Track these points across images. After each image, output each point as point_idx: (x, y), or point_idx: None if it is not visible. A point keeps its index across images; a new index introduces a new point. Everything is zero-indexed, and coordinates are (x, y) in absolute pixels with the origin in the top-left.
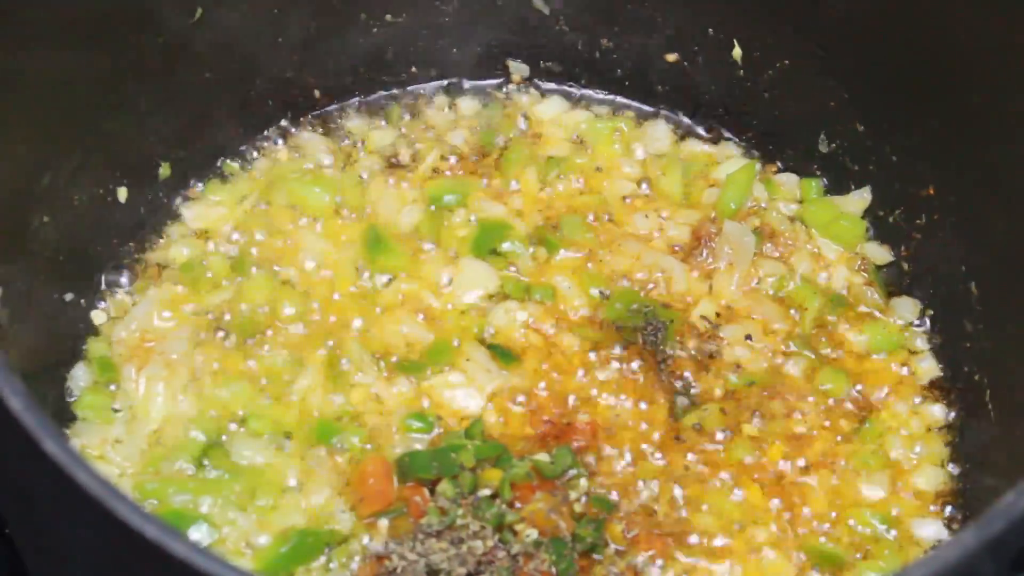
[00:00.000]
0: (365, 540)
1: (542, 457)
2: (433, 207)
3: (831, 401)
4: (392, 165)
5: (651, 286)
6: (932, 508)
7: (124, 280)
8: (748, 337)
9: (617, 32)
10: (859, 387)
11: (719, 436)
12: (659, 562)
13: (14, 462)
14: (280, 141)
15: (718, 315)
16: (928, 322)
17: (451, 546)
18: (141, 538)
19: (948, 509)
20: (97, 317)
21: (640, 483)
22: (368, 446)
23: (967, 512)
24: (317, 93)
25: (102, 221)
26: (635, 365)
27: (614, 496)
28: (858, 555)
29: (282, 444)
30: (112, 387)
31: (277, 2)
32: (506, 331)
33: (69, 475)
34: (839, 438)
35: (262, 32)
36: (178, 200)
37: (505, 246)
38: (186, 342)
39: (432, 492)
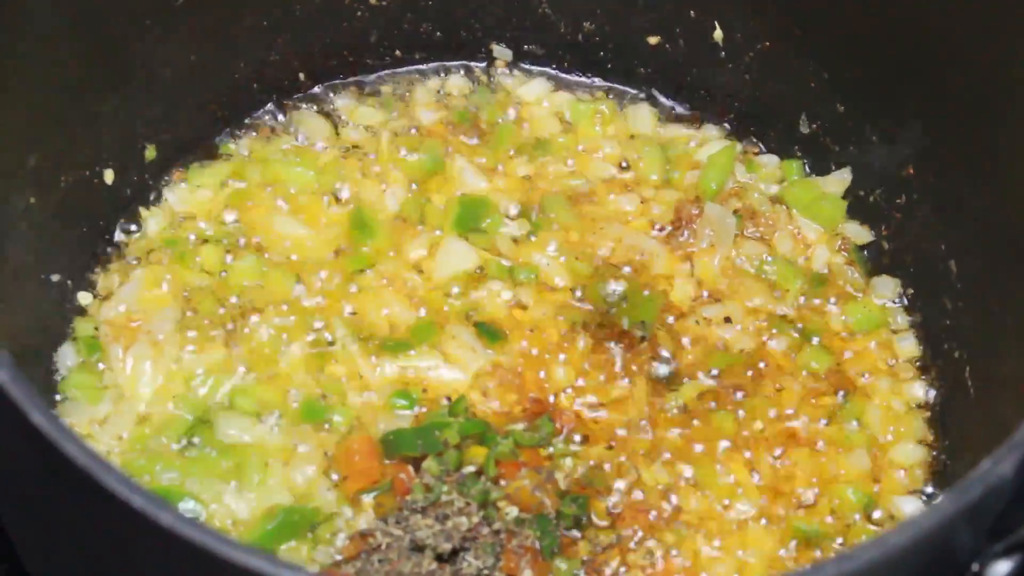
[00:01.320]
0: (350, 517)
1: (519, 426)
2: (415, 186)
3: (813, 380)
4: (376, 147)
5: (633, 267)
6: (913, 485)
7: (110, 261)
8: (727, 319)
9: (599, 15)
10: (840, 365)
11: (702, 414)
12: (644, 538)
13: (2, 436)
14: (264, 124)
15: (700, 296)
16: (908, 301)
17: (436, 522)
18: (128, 508)
19: (928, 486)
20: (83, 298)
21: (625, 461)
22: (353, 425)
23: (947, 489)
24: (302, 76)
25: (88, 203)
26: (618, 345)
27: (599, 473)
28: (839, 530)
29: (268, 422)
30: (99, 367)
31: None
32: (491, 310)
33: (56, 447)
34: (821, 417)
35: (247, 15)
36: (164, 182)
37: (488, 223)
38: (172, 322)
39: (417, 469)
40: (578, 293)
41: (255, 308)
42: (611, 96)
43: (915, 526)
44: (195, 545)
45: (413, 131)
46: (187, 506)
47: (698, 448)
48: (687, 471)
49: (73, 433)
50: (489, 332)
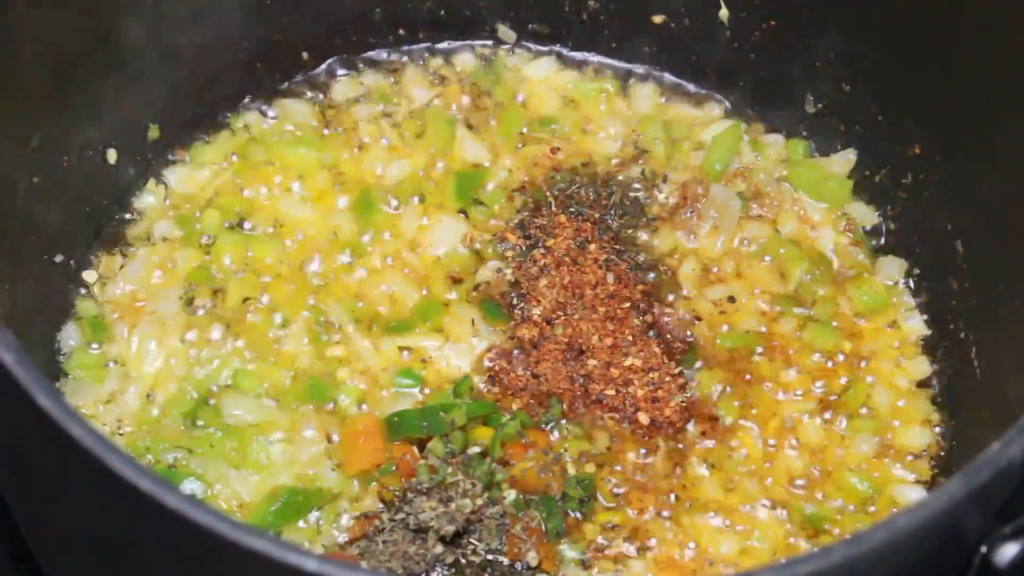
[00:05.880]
0: (354, 498)
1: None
2: (418, 164)
3: (818, 360)
4: (378, 125)
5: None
6: (917, 466)
7: (114, 241)
8: (730, 299)
9: None
10: (846, 346)
11: (708, 394)
12: (650, 518)
13: (6, 417)
14: (267, 103)
15: (704, 276)
16: (914, 281)
17: (440, 504)
18: (135, 491)
19: (934, 466)
20: (88, 277)
21: (630, 441)
22: (361, 407)
23: (953, 468)
24: (305, 55)
25: (92, 182)
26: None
27: (606, 454)
28: (843, 511)
29: (272, 403)
30: (104, 346)
31: None
32: (495, 289)
33: (63, 429)
34: (826, 397)
35: None
36: (166, 161)
37: (486, 195)
38: (176, 301)
39: (422, 450)
40: None
41: (257, 288)
42: (616, 75)
43: (924, 509)
44: (201, 527)
45: (416, 110)
46: (191, 486)
47: (704, 428)
48: (693, 451)
49: (78, 414)
50: (493, 311)
